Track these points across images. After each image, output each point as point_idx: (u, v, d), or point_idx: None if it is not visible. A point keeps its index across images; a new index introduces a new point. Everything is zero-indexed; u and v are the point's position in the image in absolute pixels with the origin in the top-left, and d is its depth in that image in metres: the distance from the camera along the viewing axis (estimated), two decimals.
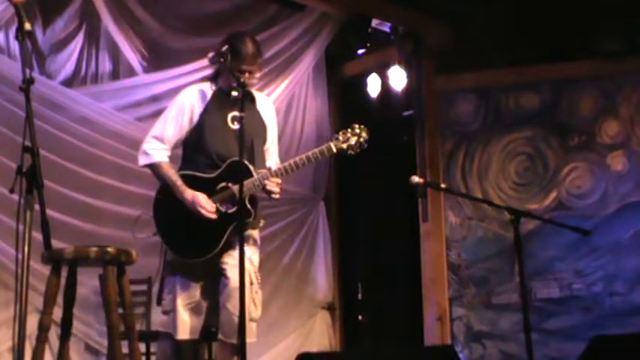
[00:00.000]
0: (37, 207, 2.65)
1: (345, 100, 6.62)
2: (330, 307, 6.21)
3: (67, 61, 5.01)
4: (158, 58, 5.31)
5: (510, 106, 5.88)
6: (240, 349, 3.15)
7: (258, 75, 3.70)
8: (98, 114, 4.96)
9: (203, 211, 3.48)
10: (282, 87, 5.82)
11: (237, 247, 3.39)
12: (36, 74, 4.33)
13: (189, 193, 3.51)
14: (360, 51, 6.29)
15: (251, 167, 3.51)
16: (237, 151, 3.47)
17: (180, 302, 3.56)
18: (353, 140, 3.69)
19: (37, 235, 2.66)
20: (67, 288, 3.22)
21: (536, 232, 5.54)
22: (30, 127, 2.66)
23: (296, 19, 5.82)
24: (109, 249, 3.14)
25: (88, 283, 4.33)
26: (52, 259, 3.08)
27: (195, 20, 5.44)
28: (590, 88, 5.75)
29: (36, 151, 2.64)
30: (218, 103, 3.62)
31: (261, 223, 3.75)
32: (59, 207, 4.52)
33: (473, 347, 5.66)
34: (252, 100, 3.68)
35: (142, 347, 4.27)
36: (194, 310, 3.58)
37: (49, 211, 2.72)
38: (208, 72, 4.06)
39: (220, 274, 3.56)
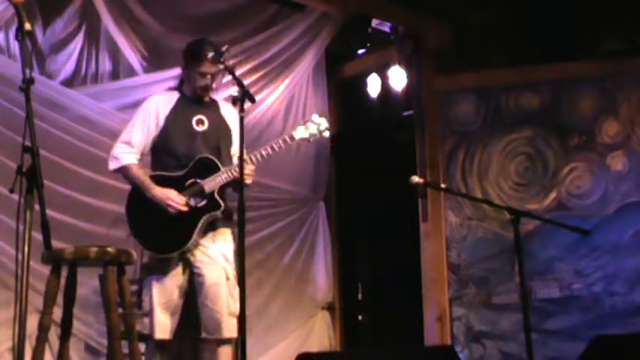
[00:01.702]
0: (37, 207, 2.65)
1: (345, 100, 6.62)
2: (330, 307, 6.20)
3: (67, 61, 5.00)
4: (158, 58, 5.31)
5: (510, 106, 5.88)
6: (241, 349, 3.15)
7: (218, 80, 3.86)
8: (98, 114, 4.95)
9: (173, 204, 3.61)
10: (282, 87, 5.82)
11: (211, 246, 3.66)
12: (36, 74, 4.31)
13: (158, 190, 3.64)
14: (360, 51, 6.29)
15: (218, 162, 3.67)
16: (203, 152, 3.72)
17: (157, 302, 3.65)
18: (313, 129, 3.91)
19: (37, 235, 2.67)
20: (67, 288, 3.23)
21: (536, 232, 5.53)
22: (30, 127, 2.66)
23: (296, 19, 5.82)
24: (109, 249, 3.15)
25: (88, 283, 4.33)
26: (52, 259, 3.08)
27: (195, 20, 5.43)
28: (590, 88, 5.74)
29: (36, 151, 2.65)
30: (183, 108, 3.78)
31: (233, 225, 3.83)
32: (59, 207, 4.51)
33: (473, 347, 5.66)
34: (216, 105, 3.88)
35: (142, 347, 4.27)
36: (170, 309, 3.67)
37: (49, 211, 2.72)
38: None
39: (195, 273, 3.68)
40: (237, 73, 3.95)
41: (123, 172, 3.76)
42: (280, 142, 3.84)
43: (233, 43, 4.99)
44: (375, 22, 6.00)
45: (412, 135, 6.06)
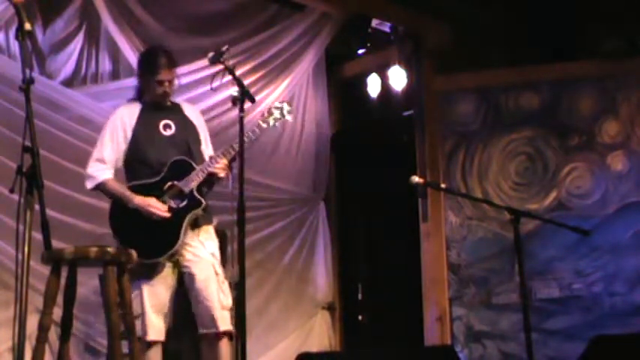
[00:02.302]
0: (37, 207, 2.65)
1: (345, 100, 6.62)
2: (330, 307, 6.20)
3: (67, 61, 5.00)
4: None
5: (510, 106, 5.88)
6: (241, 349, 3.16)
7: (175, 83, 3.98)
8: (98, 114, 4.94)
9: (156, 211, 3.68)
10: (282, 87, 5.81)
11: (198, 245, 3.75)
12: (36, 74, 4.32)
13: (138, 199, 3.71)
14: (360, 51, 6.28)
15: (192, 162, 3.76)
16: (174, 155, 3.79)
17: (148, 304, 3.72)
18: (277, 114, 3.99)
19: (37, 235, 2.66)
20: (67, 288, 3.23)
21: (536, 232, 5.53)
22: (30, 127, 2.66)
23: (296, 19, 5.82)
24: (109, 249, 3.15)
25: (88, 283, 4.33)
26: (52, 259, 3.08)
27: (195, 20, 5.43)
28: (590, 88, 5.74)
29: (36, 151, 2.65)
30: (148, 116, 3.86)
31: (214, 222, 3.90)
32: (59, 207, 4.51)
33: (473, 347, 5.66)
34: (179, 108, 3.98)
35: None
36: (162, 311, 3.75)
37: (49, 211, 2.72)
38: (208, 72, 4.12)
39: (185, 272, 3.76)
40: (237, 73, 3.95)
41: (101, 188, 3.83)
42: (250, 133, 3.89)
43: (233, 43, 4.99)
44: (375, 22, 5.99)
45: (412, 135, 6.06)
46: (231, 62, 3.74)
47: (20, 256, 2.55)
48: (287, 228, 5.99)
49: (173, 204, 3.73)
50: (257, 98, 4.39)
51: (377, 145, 6.27)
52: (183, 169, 3.75)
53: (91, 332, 4.72)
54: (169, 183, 3.76)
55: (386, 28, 6.08)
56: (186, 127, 3.92)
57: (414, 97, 6.06)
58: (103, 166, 3.83)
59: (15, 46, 4.57)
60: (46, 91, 4.68)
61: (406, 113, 6.17)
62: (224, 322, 3.69)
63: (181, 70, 5.17)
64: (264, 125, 3.95)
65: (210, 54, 3.66)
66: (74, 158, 4.79)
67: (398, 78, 5.99)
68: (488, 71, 5.92)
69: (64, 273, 3.16)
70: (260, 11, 5.70)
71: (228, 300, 3.73)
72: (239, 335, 3.21)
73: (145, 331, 3.69)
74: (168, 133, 3.85)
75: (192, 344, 3.94)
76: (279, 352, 5.65)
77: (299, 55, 5.86)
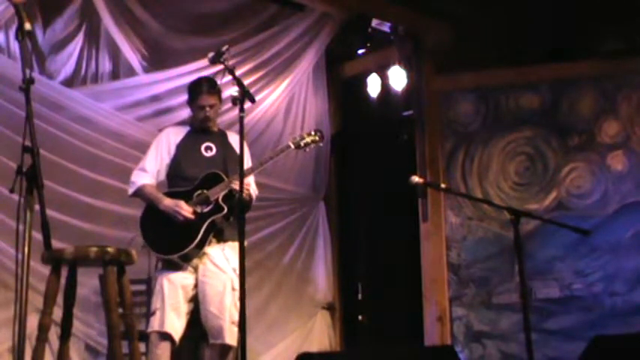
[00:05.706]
0: (37, 207, 2.65)
1: (345, 100, 6.62)
2: (330, 307, 6.20)
3: (67, 61, 5.00)
4: (158, 58, 5.31)
5: (510, 106, 5.88)
6: (241, 349, 3.16)
7: (218, 108, 4.19)
8: (98, 114, 4.96)
9: (180, 211, 3.84)
10: (282, 87, 5.81)
11: (221, 258, 3.88)
12: (36, 74, 4.32)
13: (168, 201, 3.90)
14: (360, 51, 6.29)
15: (223, 175, 3.93)
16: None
17: (168, 300, 3.82)
18: (308, 139, 4.17)
19: (37, 235, 2.66)
20: (67, 288, 3.23)
21: (536, 232, 5.53)
22: (30, 127, 2.66)
23: (296, 19, 5.82)
24: (109, 249, 3.15)
25: (88, 283, 4.34)
26: (52, 259, 3.08)
27: (195, 20, 5.44)
28: (590, 88, 5.74)
29: (36, 151, 2.65)
30: (192, 137, 4.11)
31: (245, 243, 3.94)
32: (59, 207, 4.51)
33: (473, 347, 5.66)
34: (224, 135, 4.19)
35: (142, 347, 4.27)
36: (177, 310, 3.83)
37: (49, 211, 2.72)
38: (208, 72, 4.14)
39: (203, 281, 3.88)
40: (237, 73, 3.96)
41: (139, 192, 4.01)
42: (278, 150, 4.17)
43: (233, 43, 4.99)
44: (375, 22, 5.99)
45: (412, 135, 6.06)
46: (231, 62, 3.74)
47: (20, 256, 2.56)
48: (287, 228, 5.99)
49: (198, 209, 3.88)
50: (257, 98, 4.40)
51: (377, 145, 6.27)
52: (214, 181, 3.92)
53: (91, 332, 4.72)
54: (199, 191, 3.93)
55: (386, 28, 6.07)
56: (227, 150, 4.08)
57: (414, 97, 6.06)
58: (144, 174, 4.02)
59: (15, 46, 4.58)
60: (46, 91, 4.68)
61: (406, 113, 6.16)
62: (231, 336, 3.77)
63: (181, 70, 5.21)
64: (292, 146, 4.13)
65: (210, 54, 3.67)
66: (74, 158, 4.80)
67: (398, 78, 5.99)
68: (488, 71, 5.92)
69: (64, 273, 3.17)
70: (260, 11, 5.70)
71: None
72: (239, 335, 3.21)
73: (161, 324, 3.78)
74: (208, 154, 4.06)
75: (192, 344, 3.95)
76: (279, 352, 5.65)
77: (299, 55, 5.86)
